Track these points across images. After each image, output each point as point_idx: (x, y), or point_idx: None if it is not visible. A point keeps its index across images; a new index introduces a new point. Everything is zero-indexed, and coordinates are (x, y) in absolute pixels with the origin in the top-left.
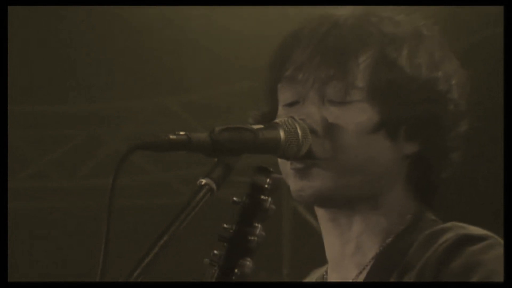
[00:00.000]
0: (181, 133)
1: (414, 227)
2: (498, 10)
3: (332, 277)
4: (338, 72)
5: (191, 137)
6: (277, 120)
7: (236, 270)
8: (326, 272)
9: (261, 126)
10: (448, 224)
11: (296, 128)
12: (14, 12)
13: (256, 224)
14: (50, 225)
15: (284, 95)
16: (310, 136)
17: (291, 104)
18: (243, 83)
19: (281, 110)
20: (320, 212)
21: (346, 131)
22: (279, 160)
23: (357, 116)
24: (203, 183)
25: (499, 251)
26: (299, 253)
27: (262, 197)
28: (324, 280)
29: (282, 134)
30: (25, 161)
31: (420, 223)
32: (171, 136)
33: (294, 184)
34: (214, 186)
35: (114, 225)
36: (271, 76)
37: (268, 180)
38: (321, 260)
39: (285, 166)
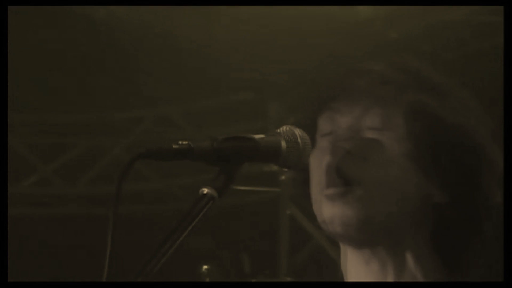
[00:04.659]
0: (184, 142)
1: None
2: (495, 22)
3: None
4: (378, 105)
5: (193, 146)
6: (277, 130)
7: None
8: None
9: (262, 135)
10: None
11: (297, 137)
12: (14, 12)
13: None
14: (52, 231)
15: (324, 126)
16: (310, 144)
17: (329, 134)
18: (245, 94)
19: (319, 139)
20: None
21: (380, 151)
22: (312, 187)
23: (392, 141)
24: (205, 192)
25: None
26: (296, 258)
27: None
28: None
29: (283, 143)
30: (29, 169)
31: None
32: (174, 146)
33: (326, 212)
34: (216, 194)
35: (115, 233)
36: (312, 109)
37: None
38: (317, 265)
39: (317, 192)
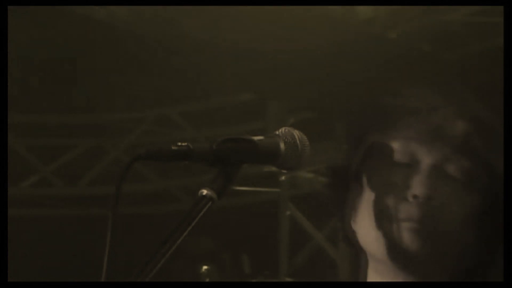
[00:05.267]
0: (183, 143)
1: None
2: (495, 22)
3: None
4: (447, 144)
5: (192, 148)
6: (276, 132)
7: None
8: None
9: (261, 137)
10: None
11: (295, 139)
12: (14, 12)
13: None
14: (52, 231)
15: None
16: (309, 146)
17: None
18: (244, 94)
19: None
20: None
21: (445, 190)
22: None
23: (460, 189)
24: (204, 194)
25: None
26: (296, 258)
27: None
28: None
29: (281, 145)
30: (29, 170)
31: None
32: (173, 147)
33: (390, 238)
34: (215, 196)
35: (114, 233)
36: (365, 123)
37: None
38: (317, 265)
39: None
